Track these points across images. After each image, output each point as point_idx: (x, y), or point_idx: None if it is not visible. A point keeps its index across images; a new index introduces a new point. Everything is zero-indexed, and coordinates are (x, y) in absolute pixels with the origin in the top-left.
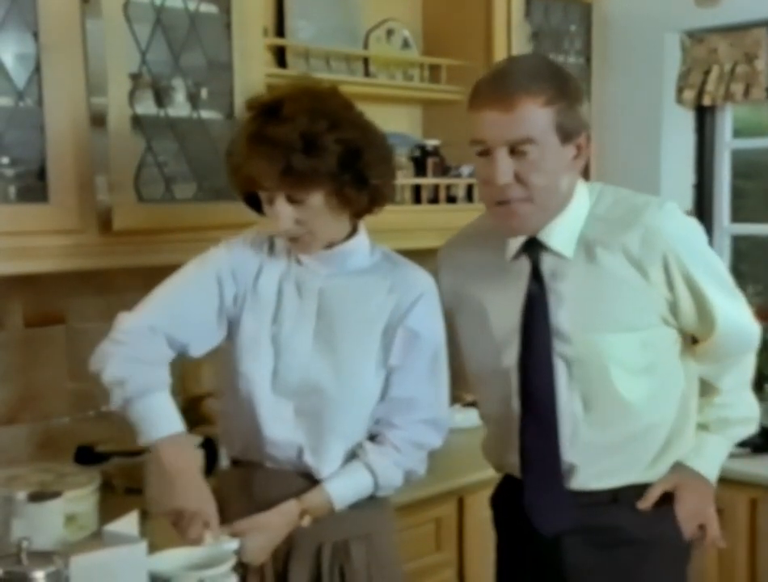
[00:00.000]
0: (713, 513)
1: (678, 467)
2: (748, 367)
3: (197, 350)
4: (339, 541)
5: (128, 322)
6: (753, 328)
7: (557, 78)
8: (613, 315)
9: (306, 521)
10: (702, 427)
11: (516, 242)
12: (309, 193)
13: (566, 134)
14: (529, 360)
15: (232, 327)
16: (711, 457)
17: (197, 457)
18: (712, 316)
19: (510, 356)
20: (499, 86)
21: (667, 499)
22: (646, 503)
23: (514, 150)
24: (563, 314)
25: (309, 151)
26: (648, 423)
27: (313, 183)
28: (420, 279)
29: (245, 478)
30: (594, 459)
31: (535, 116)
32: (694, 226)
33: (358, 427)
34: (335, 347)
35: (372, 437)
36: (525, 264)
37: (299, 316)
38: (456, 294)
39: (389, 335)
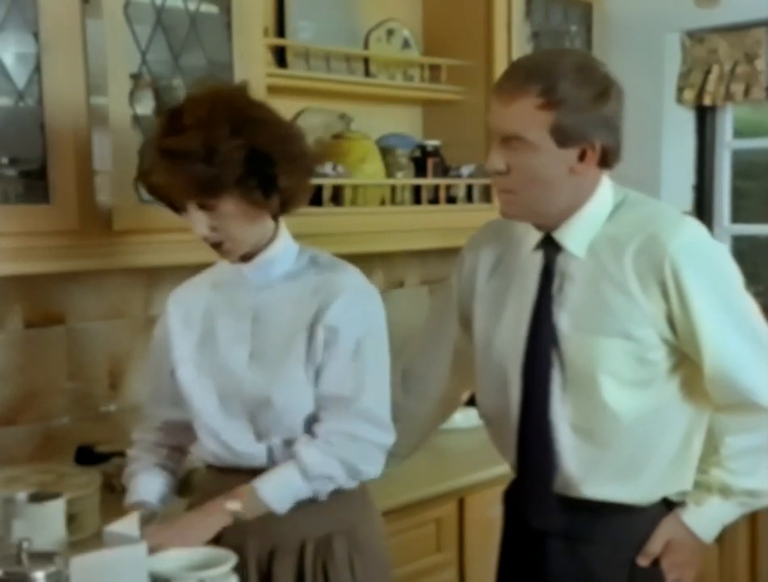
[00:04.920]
0: (692, 575)
1: (675, 520)
2: (764, 433)
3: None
4: (322, 536)
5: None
6: (764, 389)
7: (575, 80)
8: (609, 320)
9: (234, 505)
10: (706, 487)
11: (534, 237)
12: (218, 200)
13: (565, 138)
14: (533, 360)
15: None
16: (711, 520)
17: None
18: (699, 348)
19: (517, 353)
20: (509, 78)
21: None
22: (645, 560)
23: (507, 143)
24: (564, 315)
25: (209, 160)
26: (641, 441)
27: (219, 191)
28: (344, 277)
29: (223, 480)
30: (580, 467)
31: (528, 116)
32: (714, 251)
33: (303, 431)
34: (270, 359)
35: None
36: (540, 260)
37: (234, 337)
38: (475, 281)
39: (312, 336)
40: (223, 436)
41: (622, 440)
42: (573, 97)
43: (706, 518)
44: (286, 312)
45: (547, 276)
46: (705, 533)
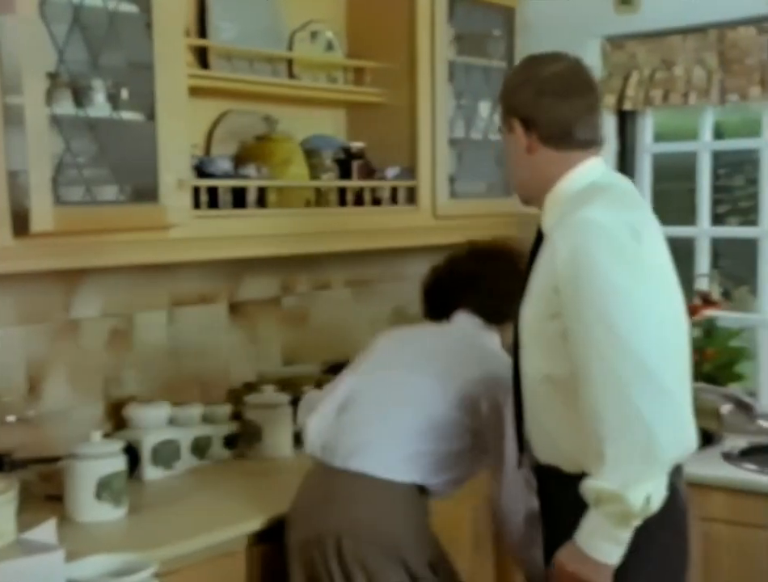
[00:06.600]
0: None
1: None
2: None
3: None
4: None
5: None
6: (603, 405)
7: (515, 70)
8: (530, 289)
9: None
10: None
11: None
12: None
13: (502, 120)
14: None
15: None
16: (589, 533)
17: None
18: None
19: None
20: None
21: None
22: None
23: None
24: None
25: None
26: (541, 401)
27: None
28: None
29: None
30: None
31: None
32: (598, 244)
33: None
34: None
35: None
36: None
37: None
38: None
39: None
40: None
41: (528, 395)
42: (505, 82)
43: (586, 532)
44: None
45: (532, 258)
46: (583, 541)
